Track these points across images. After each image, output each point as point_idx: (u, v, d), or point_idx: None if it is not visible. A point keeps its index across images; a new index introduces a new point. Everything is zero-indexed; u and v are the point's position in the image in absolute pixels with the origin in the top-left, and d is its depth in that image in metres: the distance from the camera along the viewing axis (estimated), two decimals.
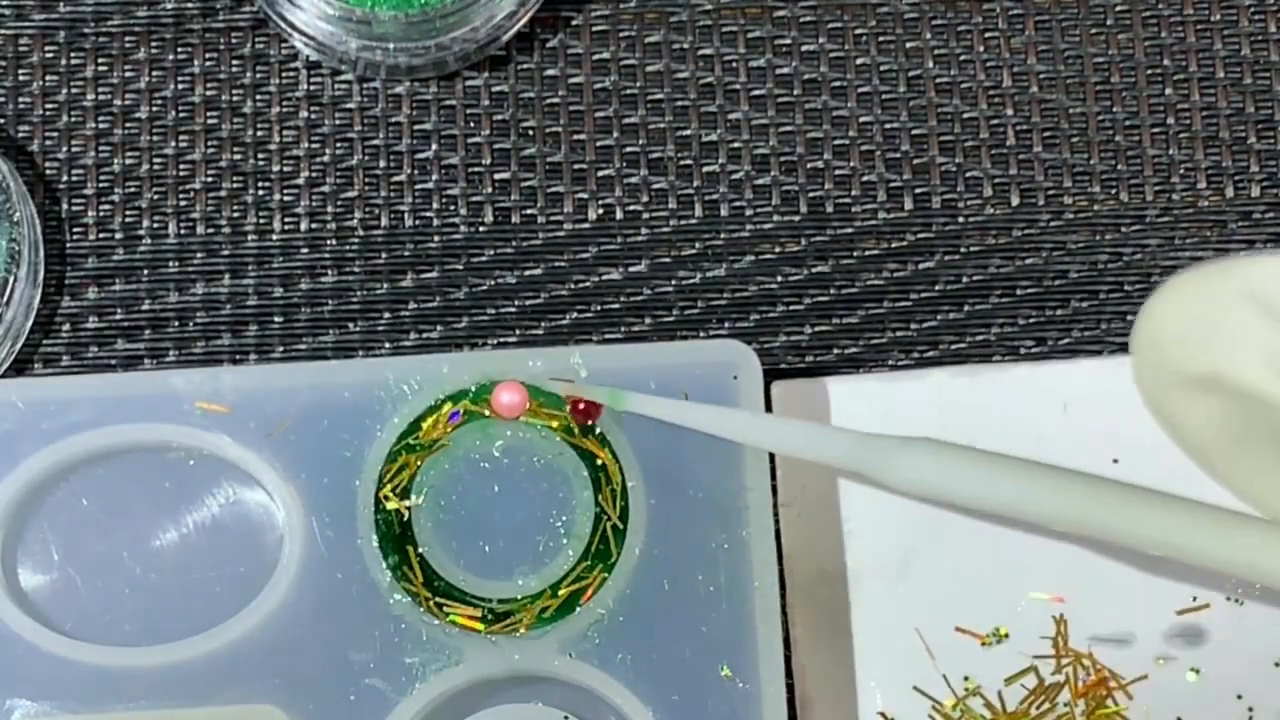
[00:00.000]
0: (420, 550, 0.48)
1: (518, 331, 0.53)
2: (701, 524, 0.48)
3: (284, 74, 0.54)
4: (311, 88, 0.54)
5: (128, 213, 0.53)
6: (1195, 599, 0.49)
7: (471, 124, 0.54)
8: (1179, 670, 0.49)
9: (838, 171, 0.54)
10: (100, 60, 0.54)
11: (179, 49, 0.54)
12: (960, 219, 0.54)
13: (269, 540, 0.49)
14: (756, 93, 0.54)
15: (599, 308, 0.53)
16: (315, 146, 0.54)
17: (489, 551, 0.48)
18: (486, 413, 0.48)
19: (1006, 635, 0.49)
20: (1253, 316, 0.44)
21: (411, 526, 0.48)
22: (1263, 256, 0.46)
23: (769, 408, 0.49)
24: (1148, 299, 0.46)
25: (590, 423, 0.48)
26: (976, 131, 0.54)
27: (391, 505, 0.48)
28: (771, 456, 0.48)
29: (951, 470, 0.45)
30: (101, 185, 0.53)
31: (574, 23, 0.55)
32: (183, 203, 0.53)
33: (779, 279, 0.53)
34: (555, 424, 0.48)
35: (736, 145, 0.54)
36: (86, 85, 0.54)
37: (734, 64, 0.54)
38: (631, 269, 0.53)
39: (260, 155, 0.54)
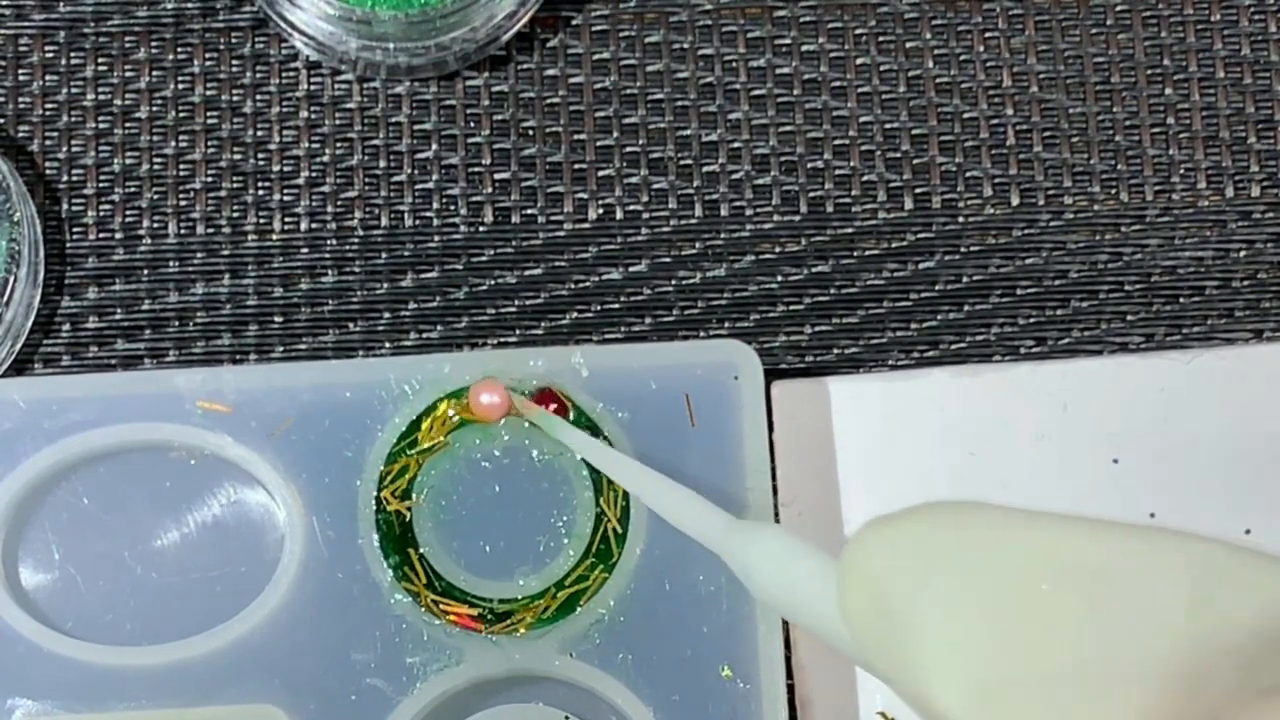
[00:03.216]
0: (421, 550, 0.48)
1: (518, 331, 0.53)
2: None
3: (284, 74, 0.54)
4: (311, 88, 0.54)
5: (128, 213, 0.53)
6: None
7: (471, 124, 0.54)
8: None
9: (838, 171, 0.54)
10: (100, 60, 0.54)
11: (179, 49, 0.54)
12: (960, 219, 0.54)
13: (270, 540, 0.49)
14: (756, 93, 0.54)
15: (599, 308, 0.53)
16: (315, 146, 0.54)
17: (490, 551, 0.48)
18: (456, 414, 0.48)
19: None
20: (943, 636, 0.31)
21: (412, 526, 0.48)
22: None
23: (769, 408, 0.49)
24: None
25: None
26: (976, 131, 0.54)
27: (392, 505, 0.48)
28: (771, 455, 0.48)
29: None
30: (101, 185, 0.53)
31: (574, 23, 0.55)
32: (183, 203, 0.53)
33: (779, 279, 0.53)
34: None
35: (736, 145, 0.54)
36: (86, 85, 0.54)
37: (734, 64, 0.54)
38: (631, 269, 0.53)
39: (260, 155, 0.54)
